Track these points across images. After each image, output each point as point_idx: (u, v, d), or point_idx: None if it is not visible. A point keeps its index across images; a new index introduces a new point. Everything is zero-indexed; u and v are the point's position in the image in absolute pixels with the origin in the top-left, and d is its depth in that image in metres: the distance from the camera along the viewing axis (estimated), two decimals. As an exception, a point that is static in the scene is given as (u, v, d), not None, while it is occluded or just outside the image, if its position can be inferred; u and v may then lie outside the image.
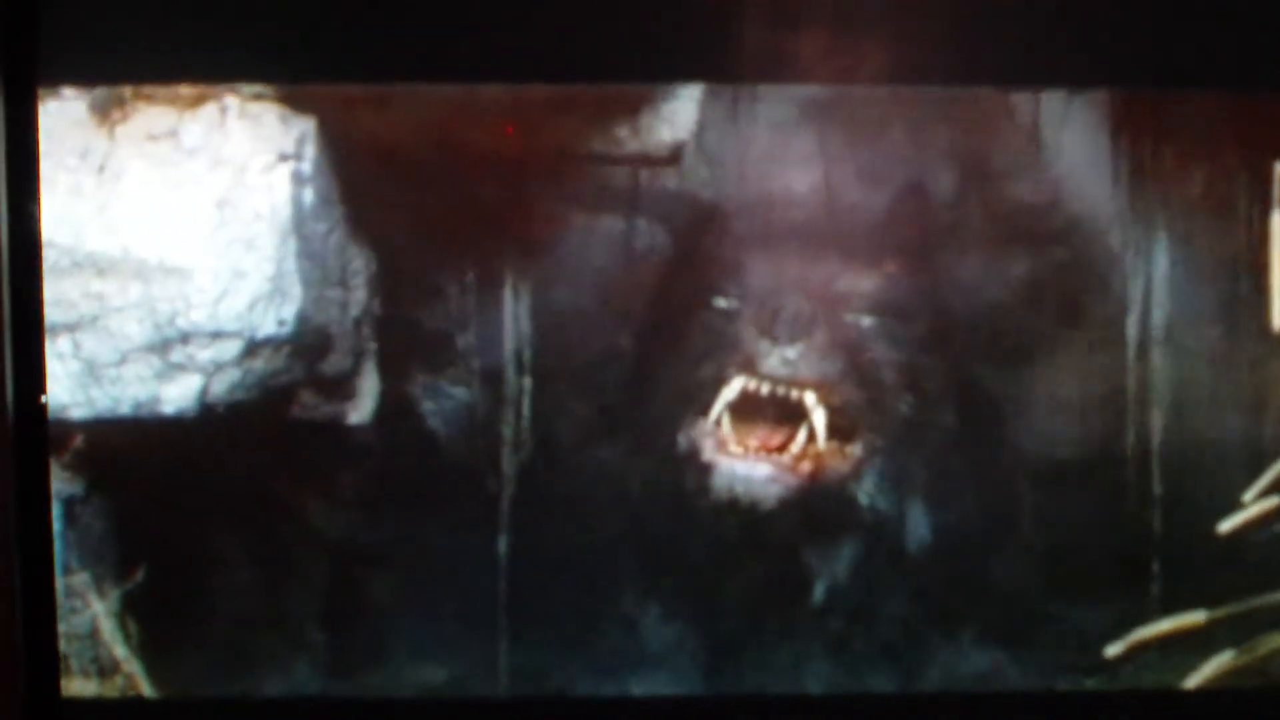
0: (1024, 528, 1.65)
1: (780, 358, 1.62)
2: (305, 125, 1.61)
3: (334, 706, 1.65)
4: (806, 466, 1.64)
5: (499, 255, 1.62)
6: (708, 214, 1.62)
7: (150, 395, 1.63)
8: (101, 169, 1.60)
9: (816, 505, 1.64)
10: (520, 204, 1.62)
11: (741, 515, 1.64)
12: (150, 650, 1.65)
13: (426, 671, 1.65)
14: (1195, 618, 1.65)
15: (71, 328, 1.61)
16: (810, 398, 1.63)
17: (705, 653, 1.66)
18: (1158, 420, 1.64)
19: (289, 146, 1.61)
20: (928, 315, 1.63)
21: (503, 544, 1.64)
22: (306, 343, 1.63)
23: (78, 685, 1.64)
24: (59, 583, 1.62)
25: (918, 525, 1.65)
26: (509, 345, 1.63)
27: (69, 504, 1.62)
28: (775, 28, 1.61)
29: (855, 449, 1.65)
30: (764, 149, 1.62)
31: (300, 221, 1.62)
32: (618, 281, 1.63)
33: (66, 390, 1.62)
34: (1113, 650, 1.66)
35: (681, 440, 1.64)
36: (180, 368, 1.62)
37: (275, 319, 1.62)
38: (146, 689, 1.65)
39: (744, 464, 1.63)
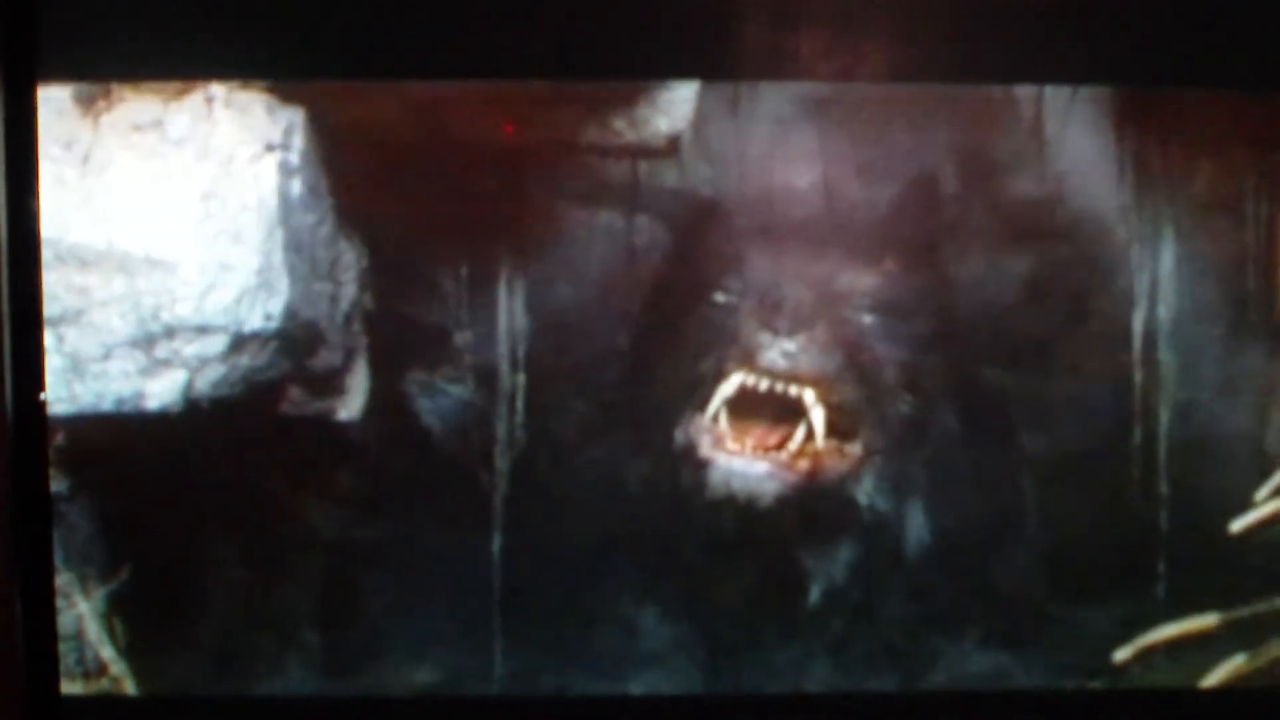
0: (1030, 528, 1.65)
1: (780, 351, 1.62)
2: (293, 115, 1.60)
3: (334, 706, 1.65)
4: (804, 464, 1.64)
5: (493, 248, 1.62)
6: (705, 207, 1.62)
7: (135, 391, 1.62)
8: (86, 160, 1.60)
9: (814, 504, 1.64)
10: (515, 196, 1.62)
11: (738, 512, 1.64)
12: (137, 651, 1.64)
13: (419, 672, 1.65)
14: (1207, 620, 1.65)
15: (55, 322, 1.61)
16: (809, 395, 1.63)
17: (702, 652, 1.65)
18: (1164, 418, 1.64)
19: (276, 137, 1.60)
20: (929, 312, 1.63)
21: (496, 542, 1.63)
22: (295, 338, 1.62)
23: (63, 687, 1.64)
24: (47, 582, 1.62)
25: (919, 526, 1.65)
26: (503, 340, 1.62)
27: (52, 502, 1.61)
28: (774, 25, 1.60)
29: (854, 448, 1.65)
30: (763, 141, 1.62)
31: (288, 213, 1.61)
32: (614, 275, 1.63)
33: (50, 386, 1.61)
34: (1121, 655, 1.66)
35: (679, 437, 1.64)
36: (165, 363, 1.61)
37: (262, 313, 1.61)
38: (133, 691, 1.64)
39: (741, 460, 1.63)
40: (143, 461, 1.62)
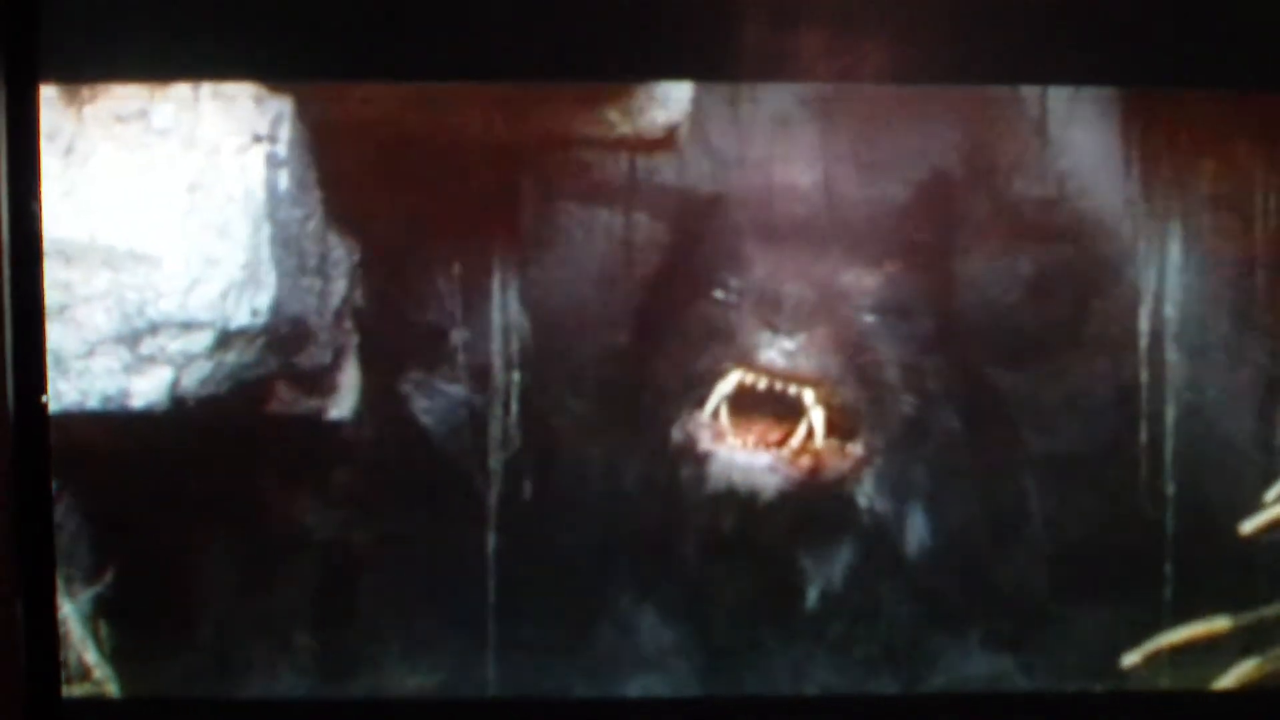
0: (1035, 530, 1.64)
1: (779, 350, 1.61)
2: (281, 105, 1.60)
3: (334, 707, 1.64)
4: (806, 462, 1.63)
5: (487, 243, 1.61)
6: (703, 203, 1.62)
7: (119, 389, 1.61)
8: (69, 151, 1.59)
9: (816, 503, 1.64)
10: (509, 190, 1.61)
11: (740, 506, 1.63)
12: (122, 655, 1.63)
13: (411, 675, 1.64)
14: (1219, 624, 1.64)
15: (37, 318, 1.60)
16: (809, 395, 1.62)
17: (701, 653, 1.65)
18: (1171, 418, 1.63)
19: (264, 127, 1.60)
20: (932, 312, 1.63)
21: (491, 543, 1.63)
22: (283, 334, 1.61)
23: (48, 690, 1.63)
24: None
25: (922, 527, 1.64)
26: (497, 337, 1.62)
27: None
28: (776, 25, 1.60)
29: (856, 447, 1.64)
30: (762, 137, 1.61)
31: (276, 206, 1.60)
32: (609, 270, 1.62)
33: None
34: (1130, 659, 1.65)
35: (676, 434, 1.63)
36: (150, 360, 1.60)
37: (249, 309, 1.60)
38: (116, 694, 1.63)
39: (744, 454, 1.63)
40: (128, 461, 1.61)
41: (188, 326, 1.60)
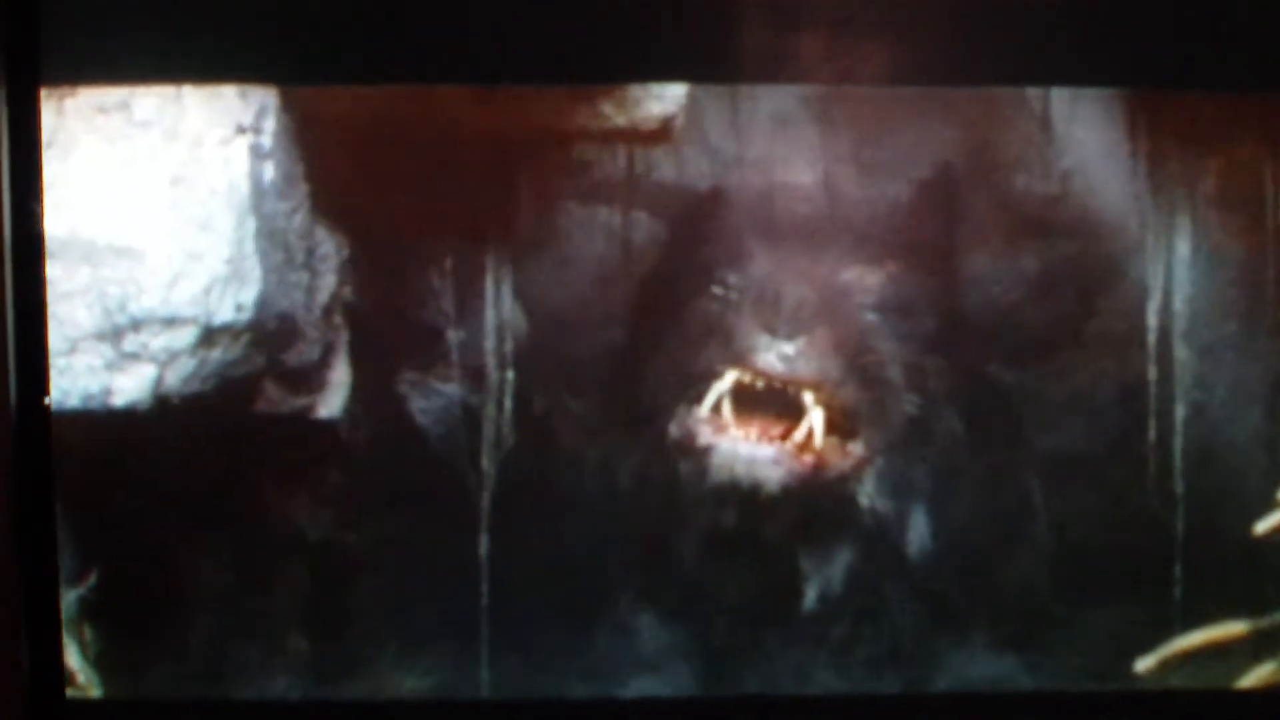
0: (1040, 531, 1.64)
1: (778, 354, 1.61)
2: (266, 96, 1.60)
3: (327, 710, 1.64)
4: (808, 458, 1.63)
5: (480, 238, 1.60)
6: (700, 199, 1.61)
7: (101, 386, 1.60)
8: (49, 144, 1.58)
9: (817, 502, 1.63)
10: (504, 183, 1.61)
11: (741, 500, 1.62)
12: (106, 660, 1.62)
13: (405, 677, 1.63)
14: (1236, 628, 1.63)
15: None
16: (809, 396, 1.62)
17: (700, 654, 1.64)
18: (1180, 417, 1.63)
19: (248, 119, 1.59)
20: (933, 311, 1.62)
21: (485, 543, 1.62)
22: (269, 330, 1.60)
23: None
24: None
25: (925, 527, 1.64)
26: (490, 334, 1.61)
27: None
28: (776, 26, 1.60)
29: (857, 447, 1.64)
30: (760, 133, 1.62)
31: (260, 200, 1.60)
32: (606, 268, 1.62)
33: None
34: (1144, 663, 1.65)
35: (672, 433, 1.63)
36: (132, 357, 1.60)
37: (233, 304, 1.60)
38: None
39: (747, 445, 1.62)
40: (110, 460, 1.60)
41: (171, 322, 1.59)
